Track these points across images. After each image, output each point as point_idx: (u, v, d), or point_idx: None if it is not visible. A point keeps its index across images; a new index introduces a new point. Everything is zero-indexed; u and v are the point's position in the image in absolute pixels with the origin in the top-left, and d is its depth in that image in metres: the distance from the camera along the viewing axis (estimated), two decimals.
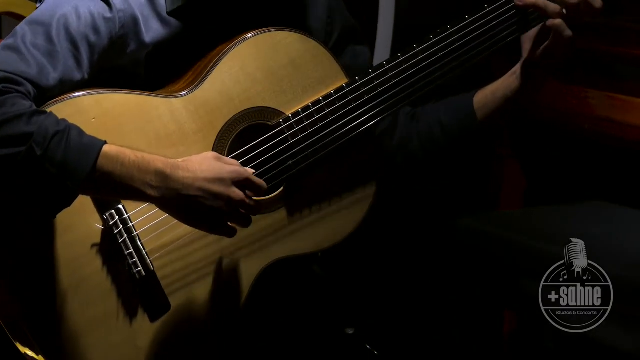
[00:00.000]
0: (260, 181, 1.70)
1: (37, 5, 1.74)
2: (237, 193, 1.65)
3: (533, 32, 1.84)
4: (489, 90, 1.92)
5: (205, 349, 1.74)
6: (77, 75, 1.68)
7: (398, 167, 2.00)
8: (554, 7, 1.79)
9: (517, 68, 1.88)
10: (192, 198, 1.62)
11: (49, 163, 1.54)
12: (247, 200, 1.67)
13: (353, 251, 1.93)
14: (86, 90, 1.68)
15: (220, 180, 1.64)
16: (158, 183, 1.61)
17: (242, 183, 1.66)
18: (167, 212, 1.65)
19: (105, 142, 1.59)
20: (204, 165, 1.64)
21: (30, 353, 1.65)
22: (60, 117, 1.60)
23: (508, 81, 1.90)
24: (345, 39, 1.96)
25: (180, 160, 1.64)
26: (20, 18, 2.36)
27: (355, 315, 2.07)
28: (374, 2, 3.11)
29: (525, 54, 1.86)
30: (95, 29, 1.69)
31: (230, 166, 1.67)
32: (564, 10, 1.79)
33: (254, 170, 1.72)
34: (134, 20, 1.73)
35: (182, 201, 1.62)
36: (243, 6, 1.82)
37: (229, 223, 1.67)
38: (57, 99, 1.65)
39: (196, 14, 1.78)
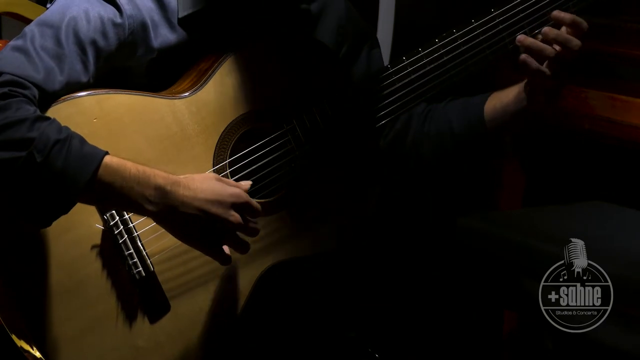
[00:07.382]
0: (258, 206, 1.68)
1: (48, 5, 1.73)
2: (235, 217, 1.64)
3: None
4: (499, 104, 1.86)
5: (205, 350, 1.74)
6: (83, 79, 1.67)
7: (410, 170, 1.99)
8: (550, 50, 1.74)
9: (526, 84, 1.82)
10: (189, 216, 1.62)
11: (49, 170, 1.54)
12: (245, 225, 1.66)
13: (353, 251, 1.93)
14: (88, 90, 1.67)
15: (219, 202, 1.63)
16: (157, 199, 1.60)
17: (240, 206, 1.65)
18: (163, 228, 1.65)
19: (107, 153, 1.58)
20: (205, 184, 1.64)
21: (30, 351, 1.65)
22: (61, 116, 1.60)
23: (518, 97, 1.84)
24: (359, 45, 1.95)
25: (182, 177, 1.64)
26: (20, 18, 2.36)
27: (356, 317, 2.07)
28: (374, 2, 3.11)
29: (527, 74, 1.80)
30: (104, 34, 1.68)
31: (231, 188, 1.66)
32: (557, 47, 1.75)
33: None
34: (143, 27, 1.72)
35: (178, 218, 1.62)
36: (252, 18, 1.82)
37: (228, 247, 1.67)
38: (59, 99, 1.64)
39: (206, 24, 1.78)
